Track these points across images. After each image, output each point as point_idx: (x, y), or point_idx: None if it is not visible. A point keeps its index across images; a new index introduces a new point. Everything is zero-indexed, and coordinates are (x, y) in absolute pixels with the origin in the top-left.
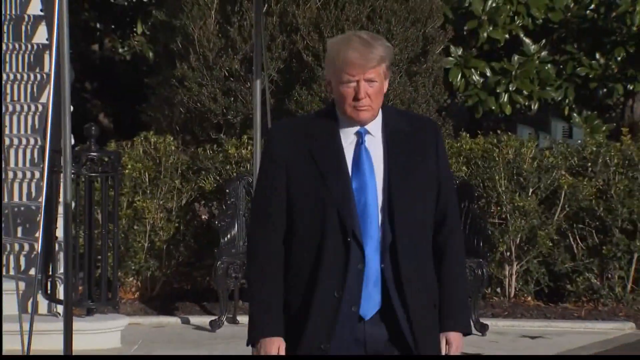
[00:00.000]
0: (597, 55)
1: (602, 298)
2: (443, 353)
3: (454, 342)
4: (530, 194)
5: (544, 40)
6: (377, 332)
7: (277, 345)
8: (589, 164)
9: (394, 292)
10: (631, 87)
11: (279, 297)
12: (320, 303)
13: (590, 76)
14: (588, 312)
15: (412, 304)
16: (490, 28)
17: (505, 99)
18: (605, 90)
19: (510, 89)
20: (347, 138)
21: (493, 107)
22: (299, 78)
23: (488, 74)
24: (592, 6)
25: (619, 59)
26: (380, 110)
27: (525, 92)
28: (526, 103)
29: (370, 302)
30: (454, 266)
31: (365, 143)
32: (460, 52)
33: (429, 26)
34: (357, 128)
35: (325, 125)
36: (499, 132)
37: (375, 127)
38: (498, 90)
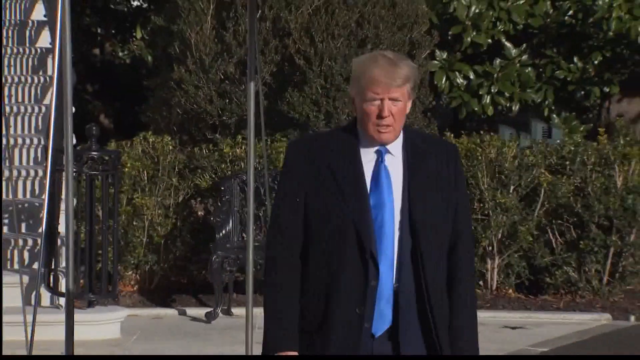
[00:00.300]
0: (575, 59)
1: (580, 290)
2: None
3: None
4: (511, 191)
5: (524, 45)
6: (385, 349)
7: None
8: (567, 163)
9: (406, 311)
10: (607, 90)
11: (295, 310)
12: (343, 320)
13: (569, 79)
14: (566, 303)
15: (433, 325)
16: (474, 33)
17: (488, 101)
18: (583, 92)
19: (493, 91)
20: (367, 156)
21: (476, 108)
22: (291, 81)
23: (471, 76)
24: (571, 12)
25: (596, 62)
26: (402, 131)
27: (506, 94)
28: (507, 104)
29: (382, 320)
30: (466, 292)
31: (385, 162)
32: (445, 55)
33: (415, 31)
34: (377, 147)
35: (345, 142)
36: (481, 132)
37: (396, 147)
38: (481, 92)
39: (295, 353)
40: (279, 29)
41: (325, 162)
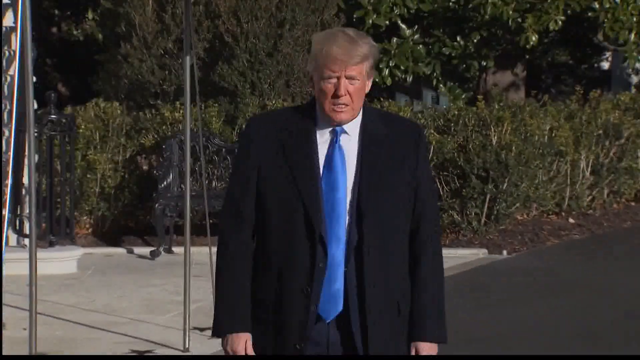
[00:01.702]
0: (458, 38)
1: (462, 230)
2: None
3: (422, 352)
4: None
5: (416, 26)
6: (336, 334)
7: (244, 340)
8: (452, 124)
9: (353, 295)
10: (484, 64)
11: (247, 292)
12: (291, 302)
13: (453, 55)
14: (451, 241)
15: (371, 309)
16: (375, 16)
17: (387, 73)
18: (464, 66)
19: (390, 64)
20: (323, 135)
21: (377, 79)
22: (221, 55)
23: None
24: None
25: (475, 41)
26: (361, 110)
27: (402, 67)
28: (403, 76)
29: (333, 304)
30: (428, 274)
31: (340, 142)
32: None
33: (325, 14)
34: (333, 126)
35: (302, 122)
36: (381, 99)
37: (353, 127)
38: (381, 66)
39: (248, 334)
40: (210, 11)
41: (280, 142)
